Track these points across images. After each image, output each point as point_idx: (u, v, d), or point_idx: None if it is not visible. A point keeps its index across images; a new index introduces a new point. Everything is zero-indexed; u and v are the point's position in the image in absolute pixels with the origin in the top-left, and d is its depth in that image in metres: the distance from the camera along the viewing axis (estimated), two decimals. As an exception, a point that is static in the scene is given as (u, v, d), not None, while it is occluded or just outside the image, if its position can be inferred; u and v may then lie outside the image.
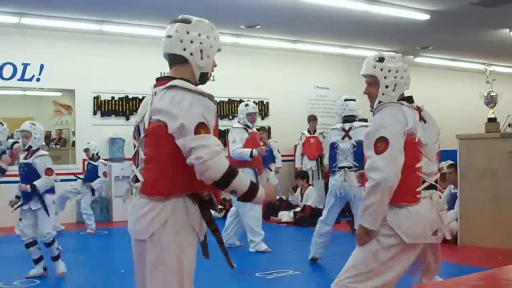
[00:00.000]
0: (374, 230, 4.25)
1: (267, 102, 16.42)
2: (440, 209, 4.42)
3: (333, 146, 8.60)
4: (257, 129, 15.58)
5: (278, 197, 14.35)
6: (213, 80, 15.25)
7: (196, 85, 3.76)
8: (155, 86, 3.77)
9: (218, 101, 15.43)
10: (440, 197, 4.60)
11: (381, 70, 4.52)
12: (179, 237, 3.58)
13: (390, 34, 15.34)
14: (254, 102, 16.04)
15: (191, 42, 3.79)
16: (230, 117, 15.62)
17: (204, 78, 3.90)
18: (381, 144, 4.23)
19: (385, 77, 4.50)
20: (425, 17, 13.32)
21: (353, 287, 4.32)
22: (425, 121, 4.48)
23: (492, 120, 10.23)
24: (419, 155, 4.36)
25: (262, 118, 16.32)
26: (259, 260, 9.13)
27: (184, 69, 3.78)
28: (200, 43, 3.85)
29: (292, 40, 15.74)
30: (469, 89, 12.02)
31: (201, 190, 3.62)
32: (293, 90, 16.71)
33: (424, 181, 4.36)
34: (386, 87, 4.48)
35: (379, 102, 4.49)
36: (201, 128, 3.47)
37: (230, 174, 3.47)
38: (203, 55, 3.85)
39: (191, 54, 3.78)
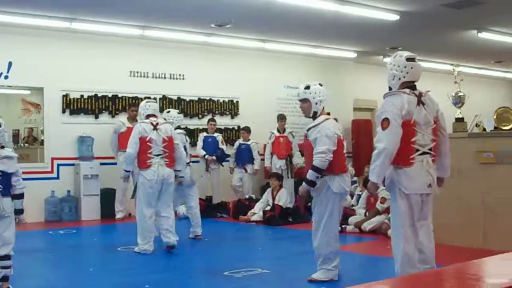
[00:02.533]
0: (378, 183, 6.03)
1: (237, 101, 16.44)
2: (429, 169, 6.10)
3: None
4: (240, 129, 15.73)
5: (247, 196, 14.39)
6: (183, 79, 15.33)
7: None
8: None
9: (187, 100, 15.47)
10: (433, 161, 6.18)
11: None
12: None
13: (360, 34, 15.43)
14: (224, 101, 16.16)
15: None
16: (200, 116, 15.62)
17: None
18: (385, 123, 5.95)
19: None
20: (395, 17, 13.42)
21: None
22: (423, 104, 6.11)
23: (459, 120, 10.35)
24: (414, 131, 6.04)
25: (232, 117, 16.36)
26: (227, 259, 9.16)
27: None
28: None
29: (262, 39, 15.77)
30: (437, 90, 12.08)
31: None
32: (263, 89, 16.76)
33: (417, 150, 6.05)
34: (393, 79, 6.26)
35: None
36: None
37: None
38: None
39: None
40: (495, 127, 9.98)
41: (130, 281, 7.80)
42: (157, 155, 9.45)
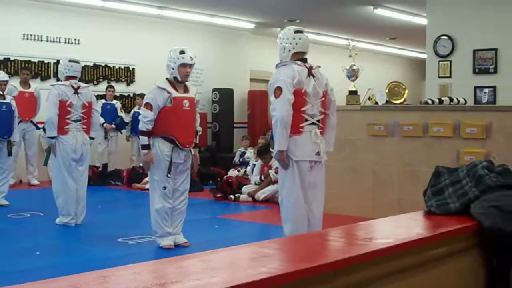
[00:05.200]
0: (285, 151, 6.37)
1: (133, 68, 16.31)
2: (317, 139, 6.48)
3: None
4: (135, 95, 15.60)
5: (141, 165, 14.37)
6: (79, 43, 15.09)
7: None
8: None
9: (83, 65, 15.22)
10: (321, 133, 6.58)
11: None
12: None
13: (259, 5, 15.53)
14: (120, 68, 16.01)
15: None
16: (95, 82, 15.43)
17: None
18: (277, 91, 6.34)
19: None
20: (293, -10, 13.56)
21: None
22: (313, 76, 6.51)
23: (353, 92, 10.62)
24: (304, 101, 6.42)
25: (128, 85, 16.23)
26: (121, 226, 9.19)
27: None
28: None
29: (159, 6, 15.63)
30: (333, 63, 12.39)
31: None
32: (159, 57, 16.61)
33: (306, 120, 6.45)
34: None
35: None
36: None
37: None
38: None
39: None
40: (386, 101, 10.29)
41: (20, 247, 7.74)
42: (75, 121, 8.98)
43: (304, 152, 6.48)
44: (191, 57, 7.63)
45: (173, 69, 7.59)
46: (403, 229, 3.66)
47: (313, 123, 6.54)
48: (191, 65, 7.61)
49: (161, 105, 7.41)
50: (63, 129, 8.89)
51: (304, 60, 6.65)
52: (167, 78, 7.66)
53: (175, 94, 7.50)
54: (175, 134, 7.43)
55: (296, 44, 6.61)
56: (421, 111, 9.55)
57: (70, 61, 9.20)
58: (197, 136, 7.86)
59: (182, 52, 7.62)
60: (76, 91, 9.00)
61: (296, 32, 6.67)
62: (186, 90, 7.69)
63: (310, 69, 6.58)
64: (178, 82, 7.62)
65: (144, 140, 7.43)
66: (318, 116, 6.58)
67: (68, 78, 9.07)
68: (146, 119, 7.38)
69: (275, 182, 11.46)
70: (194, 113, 7.70)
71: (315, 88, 6.53)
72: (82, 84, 9.30)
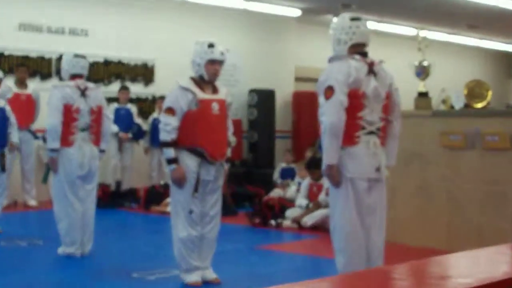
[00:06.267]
0: (335, 165, 6.37)
1: (152, 65, 16.35)
2: (376, 150, 6.42)
3: None
4: (156, 99, 15.65)
5: (162, 183, 14.41)
6: (86, 35, 15.18)
7: None
8: None
9: (91, 61, 15.32)
10: (381, 143, 6.51)
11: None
12: None
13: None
14: (136, 64, 16.07)
15: None
16: (106, 82, 15.50)
17: None
18: (328, 92, 6.33)
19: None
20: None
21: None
22: (375, 74, 6.46)
23: (423, 95, 10.53)
24: (362, 105, 6.35)
25: (146, 85, 16.28)
26: (137, 258, 9.20)
27: None
28: None
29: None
30: (397, 58, 12.35)
31: None
32: (185, 52, 16.62)
33: (364, 128, 6.37)
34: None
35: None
36: None
37: None
38: None
39: None
40: (465, 105, 10.19)
41: (14, 283, 7.78)
42: (82, 130, 8.95)
43: (360, 167, 6.43)
44: (221, 52, 7.62)
45: (199, 65, 7.59)
46: (485, 266, 3.61)
47: (371, 132, 6.48)
48: (221, 62, 7.59)
49: (185, 108, 7.37)
50: (67, 139, 8.86)
51: (364, 54, 6.61)
52: (191, 77, 7.63)
53: (201, 95, 7.46)
54: (203, 144, 7.38)
55: (354, 34, 6.54)
56: (508, 118, 9.44)
57: (76, 56, 9.18)
58: (229, 148, 7.81)
59: (210, 46, 7.61)
60: (83, 93, 8.97)
61: (352, 20, 6.61)
62: (215, 90, 7.67)
63: (371, 65, 6.53)
64: (205, 81, 7.58)
65: (169, 153, 7.36)
66: (378, 123, 6.53)
67: (73, 77, 9.06)
68: (169, 126, 7.33)
69: (326, 206, 11.43)
70: (225, 119, 7.67)
71: (376, 89, 6.47)
72: (90, 85, 9.28)
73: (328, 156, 6.37)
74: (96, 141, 9.13)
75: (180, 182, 7.37)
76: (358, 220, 6.46)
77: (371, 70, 6.49)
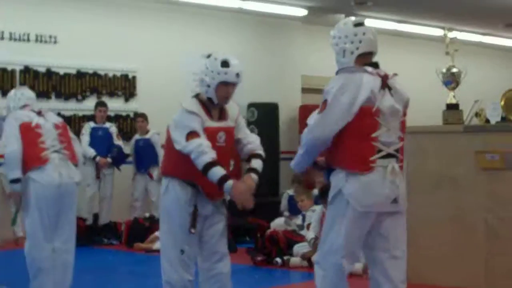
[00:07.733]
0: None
1: (133, 77, 16.35)
2: (395, 178, 6.25)
3: None
4: (137, 115, 15.66)
5: (147, 215, 14.37)
6: (55, 42, 15.18)
7: None
8: None
9: (61, 73, 15.29)
10: (401, 167, 6.38)
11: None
12: None
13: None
14: (115, 76, 16.04)
15: None
16: (79, 97, 15.44)
17: None
18: (323, 104, 6.26)
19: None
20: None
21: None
22: (390, 88, 6.36)
23: (453, 106, 10.47)
24: (377, 124, 6.23)
25: (126, 100, 16.25)
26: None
27: None
28: None
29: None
30: (421, 64, 12.33)
31: None
32: (171, 60, 16.65)
33: (380, 150, 6.23)
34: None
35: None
36: None
37: None
38: None
39: None
40: (502, 118, 10.15)
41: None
42: (53, 147, 8.80)
43: (374, 198, 6.27)
44: (237, 74, 7.20)
45: (208, 86, 7.16)
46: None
47: (389, 155, 6.33)
48: (234, 85, 7.28)
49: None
50: (39, 158, 8.69)
51: (375, 66, 6.53)
52: (197, 96, 7.35)
53: (208, 123, 7.10)
54: (200, 182, 7.06)
55: (360, 42, 6.46)
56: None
57: (18, 89, 9.62)
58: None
59: (225, 64, 7.12)
60: (39, 113, 9.04)
61: (356, 25, 6.50)
62: (222, 115, 7.32)
63: (384, 78, 6.43)
64: (214, 104, 7.30)
65: (217, 172, 6.84)
66: (397, 143, 6.41)
67: (23, 108, 9.19)
68: (202, 147, 6.84)
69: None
70: (229, 151, 7.37)
71: (393, 105, 6.38)
72: (44, 109, 9.34)
73: (298, 164, 6.65)
74: (72, 157, 9.01)
75: (245, 198, 7.36)
76: (354, 254, 6.47)
77: (385, 83, 6.40)
